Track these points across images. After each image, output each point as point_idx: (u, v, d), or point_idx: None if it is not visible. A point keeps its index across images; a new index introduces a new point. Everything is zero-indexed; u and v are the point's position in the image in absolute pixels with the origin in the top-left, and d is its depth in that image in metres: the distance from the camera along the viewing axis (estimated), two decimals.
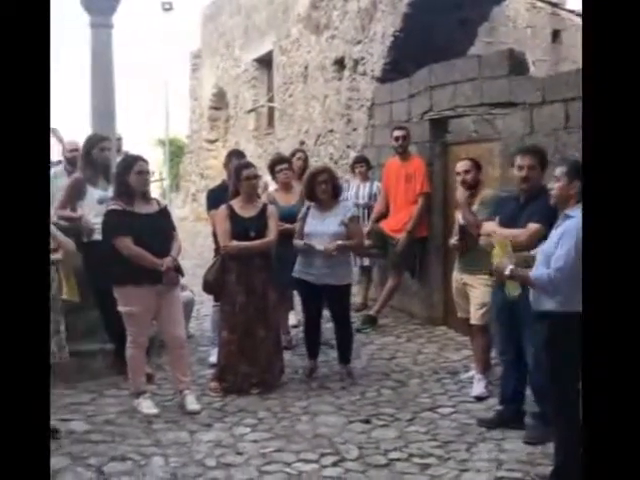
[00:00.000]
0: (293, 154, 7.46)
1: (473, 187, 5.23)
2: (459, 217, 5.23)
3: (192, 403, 5.01)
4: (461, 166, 5.29)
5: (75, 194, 5.65)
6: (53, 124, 7.56)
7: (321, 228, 5.54)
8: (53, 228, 4.49)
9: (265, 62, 14.34)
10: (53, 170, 6.68)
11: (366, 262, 7.92)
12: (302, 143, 11.20)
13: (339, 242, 5.45)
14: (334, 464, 4.15)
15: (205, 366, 5.99)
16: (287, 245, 5.65)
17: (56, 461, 4.08)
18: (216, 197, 6.00)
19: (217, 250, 5.80)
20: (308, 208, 5.68)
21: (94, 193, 5.59)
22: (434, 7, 8.08)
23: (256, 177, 5.56)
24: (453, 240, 5.30)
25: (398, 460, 4.19)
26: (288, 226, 5.80)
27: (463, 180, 5.24)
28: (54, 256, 4.35)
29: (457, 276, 5.36)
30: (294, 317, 7.14)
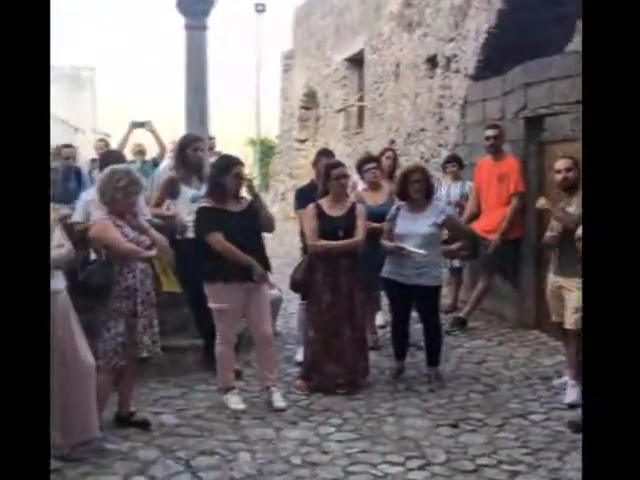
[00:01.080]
0: (382, 153, 7.40)
1: (572, 186, 5.07)
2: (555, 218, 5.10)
3: (279, 400, 5.04)
4: (562, 164, 5.13)
5: (169, 193, 5.78)
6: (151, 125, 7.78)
7: (413, 229, 5.46)
8: (147, 225, 4.61)
9: (356, 61, 14.34)
10: (162, 166, 6.90)
11: (456, 263, 7.79)
12: (392, 142, 11.12)
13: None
14: (420, 468, 4.09)
15: (291, 364, 6.02)
16: (375, 245, 5.61)
17: (147, 453, 4.20)
18: (305, 196, 6.02)
19: (305, 249, 5.82)
20: (398, 208, 5.61)
21: (187, 192, 5.71)
22: (530, 3, 7.87)
23: (345, 176, 5.54)
24: (550, 234, 5.15)
25: (486, 466, 4.09)
26: (376, 225, 5.76)
27: (564, 178, 5.08)
28: (149, 253, 4.46)
29: (552, 279, 5.19)
30: (381, 317, 7.09)
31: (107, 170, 4.50)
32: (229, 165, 5.00)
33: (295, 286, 5.61)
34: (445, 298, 7.15)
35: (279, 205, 19.02)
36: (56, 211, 4.10)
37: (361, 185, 6.86)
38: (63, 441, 4.00)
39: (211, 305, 5.00)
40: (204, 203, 5.01)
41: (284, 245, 12.57)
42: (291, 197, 10.61)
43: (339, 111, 15.01)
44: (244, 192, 5.13)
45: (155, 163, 8.14)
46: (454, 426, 4.69)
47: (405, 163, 8.93)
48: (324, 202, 5.48)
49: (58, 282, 3.97)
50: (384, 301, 6.73)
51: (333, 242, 5.34)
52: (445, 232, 5.96)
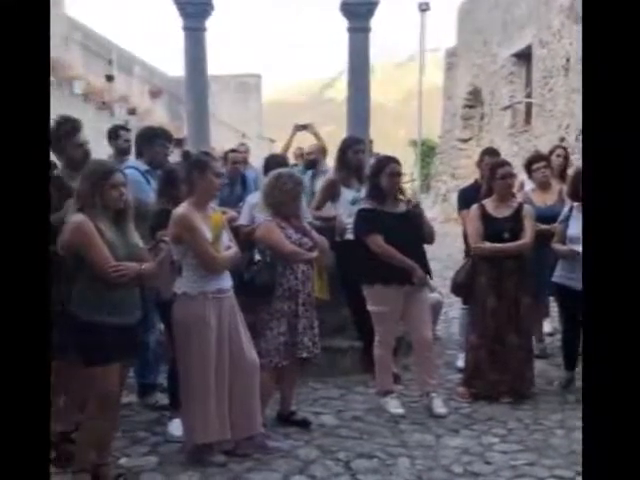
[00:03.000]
0: (552, 151, 7.05)
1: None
2: None
3: (439, 406, 4.93)
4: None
5: (330, 195, 5.84)
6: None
7: None
8: (309, 227, 4.67)
9: (523, 56, 13.88)
10: (310, 172, 7.00)
11: None
12: (562, 140, 10.63)
13: None
14: None
15: (452, 370, 5.88)
16: (544, 248, 5.34)
17: (307, 452, 4.25)
18: (468, 197, 5.87)
19: (467, 252, 5.67)
20: (571, 209, 5.31)
21: (347, 194, 5.73)
22: None
23: (511, 176, 5.33)
24: None
25: None
26: (545, 227, 5.49)
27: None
28: (311, 254, 4.51)
29: None
30: (549, 324, 6.76)
31: (273, 174, 4.60)
32: (384, 164, 4.97)
33: (457, 290, 5.47)
34: None
35: (440, 206, 18.78)
36: (224, 214, 4.25)
37: (529, 185, 6.57)
38: (231, 436, 4.12)
39: (370, 308, 4.98)
40: (364, 204, 5.01)
41: (445, 247, 12.34)
42: (453, 198, 10.41)
43: (505, 108, 14.58)
44: (406, 194, 5.07)
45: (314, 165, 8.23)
46: None
47: (577, 162, 8.46)
48: (488, 203, 5.30)
49: (225, 282, 4.12)
50: (553, 307, 6.42)
51: (498, 244, 5.15)
52: None
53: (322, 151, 7.40)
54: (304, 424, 4.64)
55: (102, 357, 3.49)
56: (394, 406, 4.96)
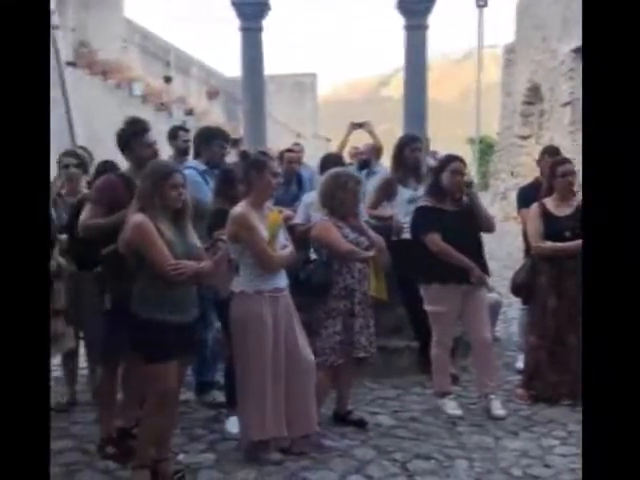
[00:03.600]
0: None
1: None
2: None
3: (498, 408, 4.85)
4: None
5: (386, 194, 5.80)
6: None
7: None
8: (366, 226, 4.65)
9: None
10: (364, 171, 6.97)
11: None
12: None
13: None
14: None
15: (512, 371, 5.77)
16: None
17: (363, 452, 4.23)
18: (528, 195, 5.75)
19: (527, 251, 5.56)
20: None
21: (404, 193, 5.69)
22: None
23: (572, 173, 5.21)
24: None
25: None
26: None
27: None
28: (367, 253, 4.49)
29: None
30: None
31: (331, 173, 4.60)
32: (447, 161, 4.92)
33: (516, 289, 5.37)
34: None
35: (499, 204, 18.52)
36: (280, 213, 4.27)
37: None
38: (287, 434, 4.14)
39: (427, 307, 4.93)
40: (423, 202, 4.96)
41: (504, 246, 12.17)
42: (512, 196, 10.24)
43: (565, 105, 14.29)
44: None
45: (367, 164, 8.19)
46: None
47: None
48: (549, 201, 5.19)
49: (281, 281, 4.14)
50: None
51: (559, 244, 5.04)
52: None
53: (375, 151, 7.37)
54: (360, 424, 4.62)
55: (161, 354, 3.54)
56: (452, 407, 4.90)
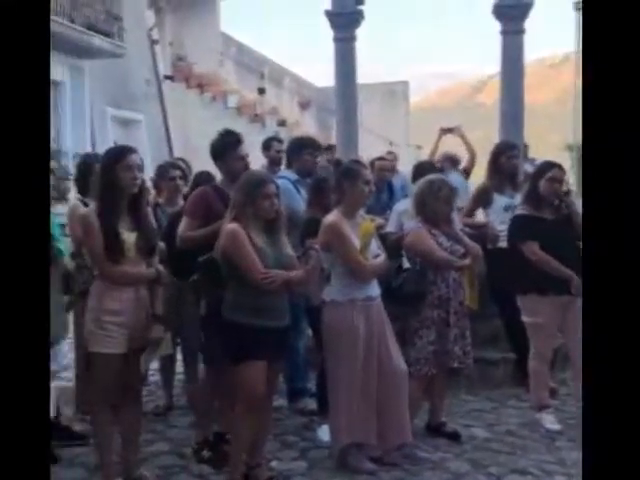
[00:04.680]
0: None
1: None
2: None
3: None
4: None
5: (481, 201, 5.70)
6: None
7: None
8: (461, 233, 4.57)
9: None
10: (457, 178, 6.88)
11: None
12: None
13: None
14: None
15: None
16: None
17: (457, 465, 4.15)
18: None
19: None
20: None
21: (500, 200, 5.57)
22: None
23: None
24: None
25: None
26: None
27: None
28: (462, 262, 4.41)
29: None
30: None
31: (424, 180, 4.56)
32: (545, 169, 4.79)
33: None
34: None
35: None
36: (372, 222, 4.25)
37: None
38: (379, 444, 4.11)
39: (524, 318, 4.79)
40: (520, 211, 4.84)
41: None
42: None
43: None
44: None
45: (466, 172, 8.09)
46: None
47: None
48: None
49: (374, 290, 4.11)
50: None
51: None
52: None
53: (452, 160, 7.30)
54: (454, 436, 4.53)
55: (248, 354, 3.58)
56: (550, 421, 4.74)
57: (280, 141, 6.32)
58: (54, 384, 3.15)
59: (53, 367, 3.23)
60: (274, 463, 4.15)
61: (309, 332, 5.00)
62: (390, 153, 9.24)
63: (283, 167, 5.73)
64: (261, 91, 23.69)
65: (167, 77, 18.30)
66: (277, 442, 4.46)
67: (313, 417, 4.83)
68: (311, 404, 4.95)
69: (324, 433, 4.41)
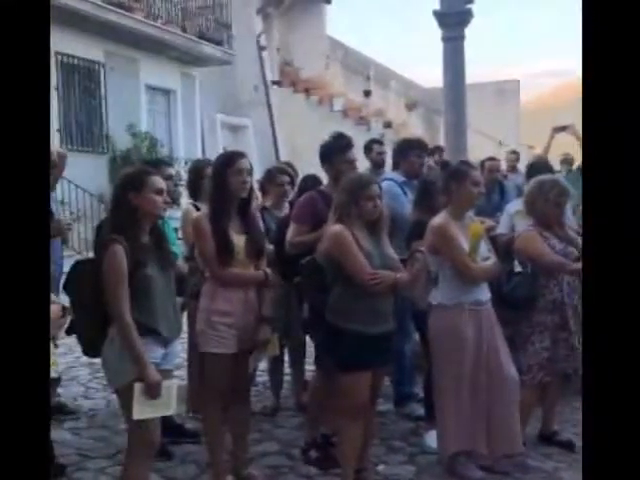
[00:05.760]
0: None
1: None
2: None
3: None
4: None
5: None
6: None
7: None
8: (575, 236, 4.38)
9: None
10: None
11: None
12: None
13: None
14: None
15: None
16: None
17: (571, 475, 3.98)
18: None
19: None
20: None
21: None
22: None
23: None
24: None
25: None
26: None
27: None
28: (576, 265, 4.23)
29: None
30: None
31: (535, 181, 4.41)
32: None
33: None
34: None
35: None
36: (482, 224, 4.15)
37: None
38: (489, 452, 4.00)
39: None
40: None
41: None
42: None
43: None
44: None
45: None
46: None
47: None
48: None
49: (483, 294, 4.01)
50: None
51: None
52: None
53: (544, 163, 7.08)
54: (568, 445, 4.35)
55: (356, 364, 3.55)
56: None
57: (381, 143, 6.29)
58: (171, 382, 3.26)
59: (167, 367, 3.33)
60: (381, 467, 4.12)
61: (416, 336, 4.93)
62: (514, 153, 9.06)
63: (388, 169, 5.70)
64: (367, 93, 23.71)
65: (274, 82, 18.62)
66: (383, 446, 4.42)
67: (420, 422, 4.76)
68: (418, 410, 4.87)
69: (432, 439, 4.33)
